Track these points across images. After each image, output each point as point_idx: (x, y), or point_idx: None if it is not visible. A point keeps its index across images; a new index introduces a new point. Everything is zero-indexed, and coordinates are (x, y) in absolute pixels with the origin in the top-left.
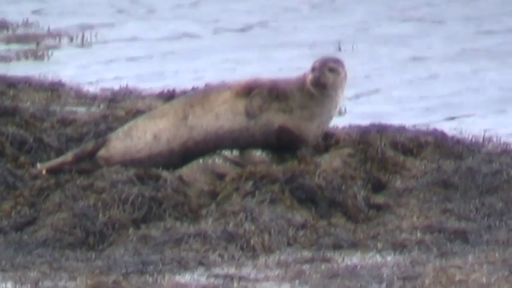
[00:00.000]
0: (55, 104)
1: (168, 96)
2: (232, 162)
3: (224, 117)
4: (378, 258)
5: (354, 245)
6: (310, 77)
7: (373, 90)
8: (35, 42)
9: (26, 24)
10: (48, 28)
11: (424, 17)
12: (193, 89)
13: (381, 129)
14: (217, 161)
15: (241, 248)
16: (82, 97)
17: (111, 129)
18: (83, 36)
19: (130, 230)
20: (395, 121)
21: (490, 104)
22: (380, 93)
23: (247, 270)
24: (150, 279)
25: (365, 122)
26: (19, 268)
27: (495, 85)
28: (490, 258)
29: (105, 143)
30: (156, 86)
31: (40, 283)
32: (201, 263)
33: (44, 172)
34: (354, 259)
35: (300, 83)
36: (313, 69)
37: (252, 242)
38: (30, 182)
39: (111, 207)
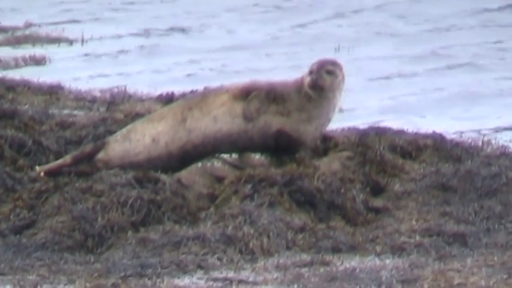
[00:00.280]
0: (54, 107)
1: (167, 99)
2: (231, 165)
3: (222, 120)
4: (377, 261)
5: (353, 248)
6: (307, 79)
7: None
8: (34, 46)
9: (26, 27)
10: (48, 31)
11: None
12: (191, 92)
13: (380, 132)
14: (216, 164)
15: (240, 251)
16: (81, 100)
17: (110, 132)
18: (82, 40)
19: (129, 233)
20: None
21: None
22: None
23: (246, 274)
24: (149, 282)
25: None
26: (18, 271)
27: None
28: (488, 261)
29: (104, 146)
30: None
31: (39, 286)
32: (200, 266)
33: (42, 175)
34: (352, 262)
35: (298, 86)
36: (310, 72)
37: (250, 245)
38: (29, 184)
39: (110, 210)
